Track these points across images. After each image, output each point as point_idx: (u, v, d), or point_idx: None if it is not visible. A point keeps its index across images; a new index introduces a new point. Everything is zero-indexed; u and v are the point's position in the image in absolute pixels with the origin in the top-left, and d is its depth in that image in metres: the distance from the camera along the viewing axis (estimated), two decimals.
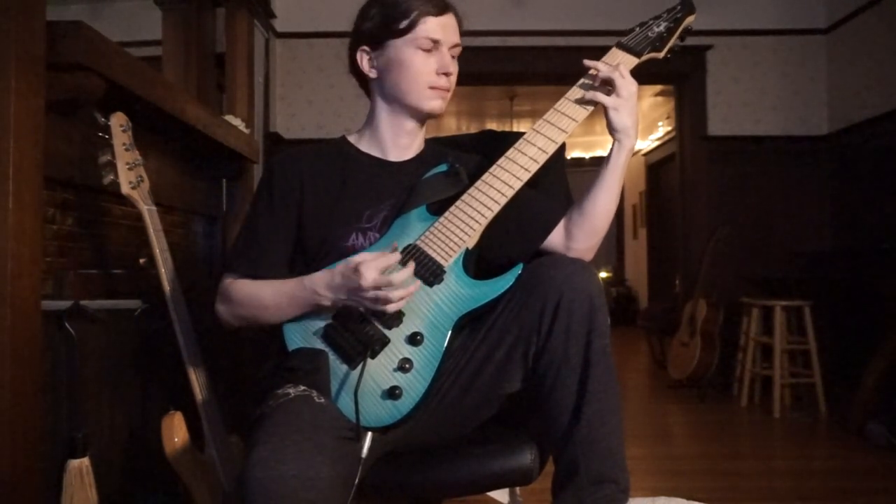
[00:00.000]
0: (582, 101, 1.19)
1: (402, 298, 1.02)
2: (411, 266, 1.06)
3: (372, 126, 1.29)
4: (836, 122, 3.81)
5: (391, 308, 1.03)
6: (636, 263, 8.17)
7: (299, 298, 1.10)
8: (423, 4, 1.18)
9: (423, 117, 1.27)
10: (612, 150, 1.20)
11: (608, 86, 1.16)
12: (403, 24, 1.18)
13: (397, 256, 1.05)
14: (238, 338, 2.18)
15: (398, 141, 1.27)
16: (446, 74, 1.21)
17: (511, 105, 6.55)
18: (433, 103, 1.22)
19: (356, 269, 1.01)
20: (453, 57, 1.24)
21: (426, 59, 1.20)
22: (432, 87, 1.21)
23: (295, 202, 1.21)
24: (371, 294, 1.01)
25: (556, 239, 1.25)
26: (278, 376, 1.10)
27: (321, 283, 1.08)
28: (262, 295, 1.15)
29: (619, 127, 1.16)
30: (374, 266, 1.01)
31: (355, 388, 1.01)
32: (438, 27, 1.19)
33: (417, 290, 1.06)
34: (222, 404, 1.59)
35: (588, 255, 1.25)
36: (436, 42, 1.19)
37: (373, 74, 1.24)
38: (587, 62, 1.21)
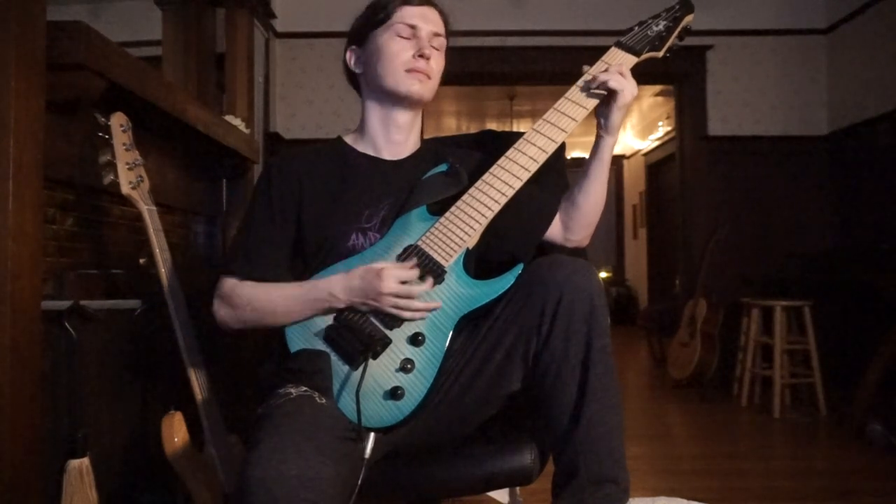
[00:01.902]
0: (582, 101, 1.19)
1: (419, 310, 1.06)
2: (430, 282, 1.08)
3: (364, 125, 1.29)
4: (836, 122, 3.81)
5: (407, 315, 1.07)
6: (636, 263, 8.17)
7: (312, 301, 1.11)
8: None
9: (405, 103, 1.25)
10: (599, 146, 1.24)
11: (609, 86, 1.17)
12: (381, 14, 1.22)
13: (416, 272, 1.08)
14: (238, 338, 2.18)
15: (391, 137, 1.27)
16: (423, 57, 1.21)
17: (511, 105, 6.54)
18: (412, 86, 1.22)
19: (378, 274, 1.04)
20: (436, 48, 1.24)
21: (404, 45, 1.22)
22: (409, 70, 1.21)
23: (294, 204, 1.21)
24: (390, 301, 1.05)
25: (554, 232, 1.29)
26: (279, 377, 1.10)
27: (338, 286, 1.09)
28: (271, 299, 1.14)
29: (615, 124, 1.21)
30: (395, 275, 1.05)
31: (357, 389, 1.01)
32: (415, 14, 1.22)
33: (438, 308, 1.08)
34: (222, 404, 1.59)
35: (584, 242, 1.32)
36: (413, 28, 1.21)
37: (358, 70, 1.27)
38: (588, 70, 1.21)
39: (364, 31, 1.25)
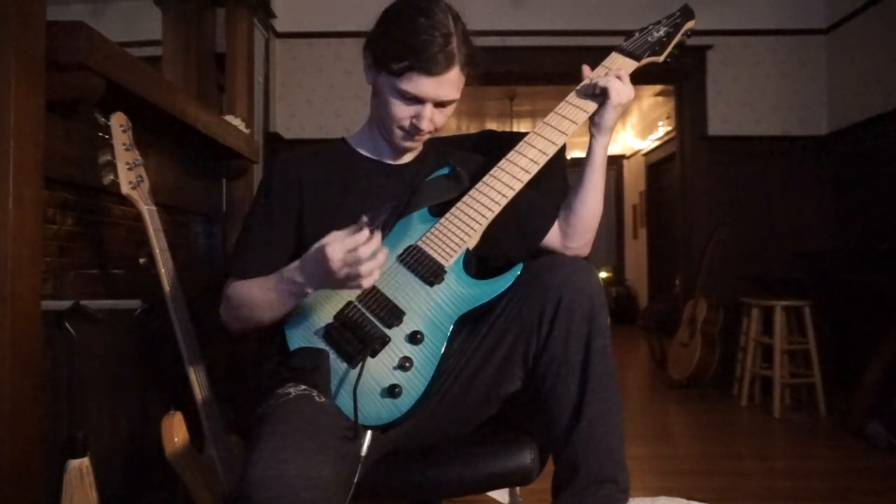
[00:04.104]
0: (582, 105, 1.21)
1: (372, 271, 0.97)
2: (377, 237, 0.98)
3: (371, 130, 1.28)
4: (836, 122, 3.81)
5: (365, 283, 0.99)
6: (636, 263, 8.17)
7: (282, 290, 1.08)
8: (420, 59, 1.10)
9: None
10: (592, 148, 1.23)
11: (607, 87, 1.18)
12: (394, 66, 1.12)
13: (365, 234, 0.97)
14: (244, 336, 2.18)
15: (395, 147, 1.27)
16: (417, 129, 1.16)
17: (511, 105, 6.54)
18: (402, 142, 1.21)
19: (322, 251, 0.98)
20: (442, 108, 1.17)
21: (404, 107, 1.15)
22: (402, 129, 1.18)
23: (294, 206, 1.21)
24: (342, 273, 0.97)
25: (552, 239, 1.29)
26: (279, 376, 1.10)
27: (296, 271, 1.05)
28: (252, 292, 1.14)
29: (608, 124, 1.21)
30: (340, 247, 0.96)
31: (354, 386, 1.01)
32: (427, 87, 1.12)
33: (385, 256, 1.00)
34: (222, 404, 1.59)
35: (584, 251, 1.30)
36: (418, 99, 1.14)
37: (370, 84, 1.22)
38: (586, 74, 1.22)
39: (378, 59, 1.16)
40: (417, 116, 1.16)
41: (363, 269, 0.96)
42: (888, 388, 2.78)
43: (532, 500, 1.88)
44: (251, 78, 3.07)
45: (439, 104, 1.16)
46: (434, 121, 1.17)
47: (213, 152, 2.42)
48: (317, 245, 0.99)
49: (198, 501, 1.50)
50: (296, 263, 1.06)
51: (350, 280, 0.98)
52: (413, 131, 1.17)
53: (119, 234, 1.86)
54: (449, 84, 1.14)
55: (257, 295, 1.13)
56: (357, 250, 0.95)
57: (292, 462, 0.86)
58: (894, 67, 3.32)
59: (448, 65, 1.12)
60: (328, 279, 1.00)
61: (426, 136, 1.22)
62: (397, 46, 1.11)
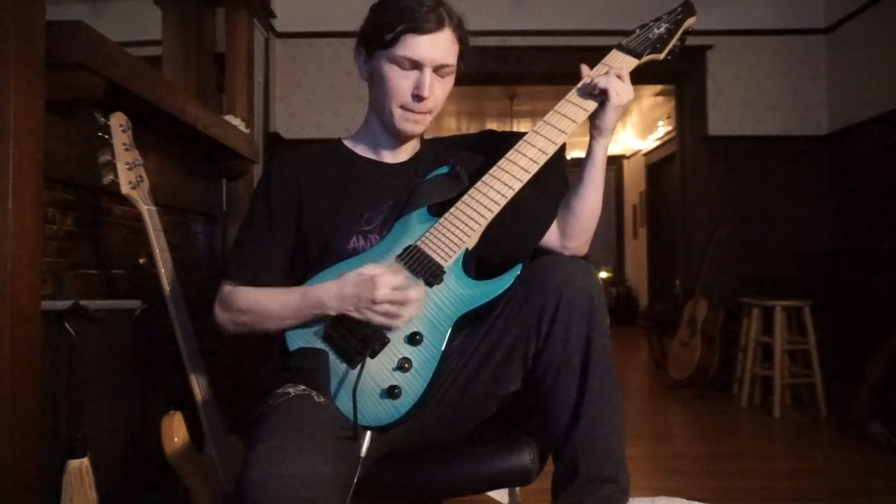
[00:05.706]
0: (582, 103, 1.20)
1: (410, 315, 1.04)
2: (422, 286, 1.06)
3: (368, 129, 1.28)
4: (836, 122, 3.81)
5: (397, 323, 1.05)
6: (636, 263, 8.17)
7: (304, 309, 1.10)
8: (412, 19, 1.11)
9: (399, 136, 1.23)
10: (593, 149, 1.23)
11: (607, 88, 1.17)
12: (388, 36, 1.12)
13: (402, 279, 1.04)
14: (238, 338, 2.18)
15: (393, 144, 1.26)
16: (420, 98, 1.15)
17: (511, 105, 6.54)
18: (406, 125, 1.18)
19: (373, 281, 1.02)
20: (441, 77, 1.17)
21: (403, 77, 1.15)
22: (404, 108, 1.17)
23: (293, 208, 1.20)
24: (382, 308, 1.03)
25: (551, 238, 1.28)
26: (278, 376, 1.10)
27: (330, 294, 1.08)
28: (265, 305, 1.14)
29: (608, 125, 1.20)
30: (389, 281, 1.02)
31: (353, 387, 1.01)
32: (423, 47, 1.12)
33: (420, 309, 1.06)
34: (222, 404, 1.59)
35: (583, 251, 1.30)
36: (416, 63, 1.14)
37: (364, 78, 1.23)
38: (585, 72, 1.22)
39: (370, 42, 1.17)
40: (418, 86, 1.14)
41: (404, 310, 1.03)
42: (888, 388, 2.78)
43: (532, 500, 1.88)
44: (251, 78, 3.07)
45: (437, 70, 1.16)
46: (434, 92, 1.16)
47: (213, 152, 2.42)
48: (359, 272, 1.05)
49: (198, 501, 1.50)
50: (329, 286, 1.09)
51: (387, 316, 1.04)
52: (416, 101, 1.16)
53: (119, 234, 1.86)
54: (444, 45, 1.14)
55: (273, 308, 1.13)
56: (404, 294, 1.02)
57: (291, 462, 0.86)
58: (894, 67, 3.32)
59: (439, 24, 1.13)
60: (363, 308, 1.04)
61: (428, 116, 1.20)
62: (388, 18, 1.13)
